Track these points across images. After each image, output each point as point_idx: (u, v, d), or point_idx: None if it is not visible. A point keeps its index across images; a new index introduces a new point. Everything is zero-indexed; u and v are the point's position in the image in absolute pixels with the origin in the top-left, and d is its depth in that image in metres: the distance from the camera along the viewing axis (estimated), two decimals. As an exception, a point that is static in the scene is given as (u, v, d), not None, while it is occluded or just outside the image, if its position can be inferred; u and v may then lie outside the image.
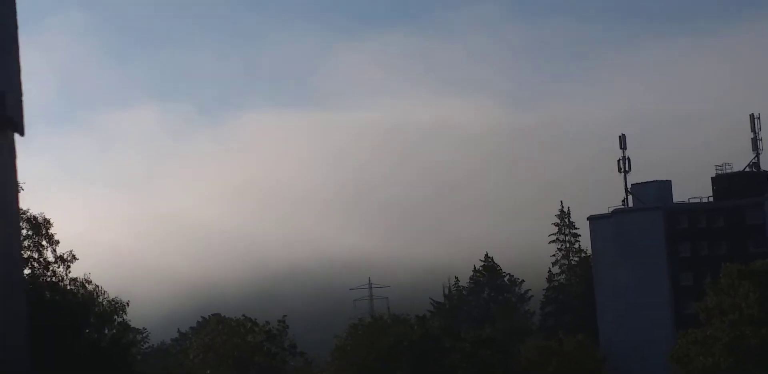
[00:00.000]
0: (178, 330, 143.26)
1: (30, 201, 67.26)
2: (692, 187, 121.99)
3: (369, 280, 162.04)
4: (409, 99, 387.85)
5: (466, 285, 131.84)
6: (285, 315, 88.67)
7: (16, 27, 2.83)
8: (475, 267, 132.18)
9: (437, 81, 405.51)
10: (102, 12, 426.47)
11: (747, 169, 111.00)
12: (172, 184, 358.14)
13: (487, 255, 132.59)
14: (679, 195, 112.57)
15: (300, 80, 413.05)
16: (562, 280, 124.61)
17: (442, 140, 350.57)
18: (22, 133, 2.70)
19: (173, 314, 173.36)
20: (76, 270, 61.14)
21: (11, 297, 2.69)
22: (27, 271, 60.10)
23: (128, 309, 72.86)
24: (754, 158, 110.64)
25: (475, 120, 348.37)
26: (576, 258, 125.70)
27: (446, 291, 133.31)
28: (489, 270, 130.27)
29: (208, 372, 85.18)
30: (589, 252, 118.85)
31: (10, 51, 2.78)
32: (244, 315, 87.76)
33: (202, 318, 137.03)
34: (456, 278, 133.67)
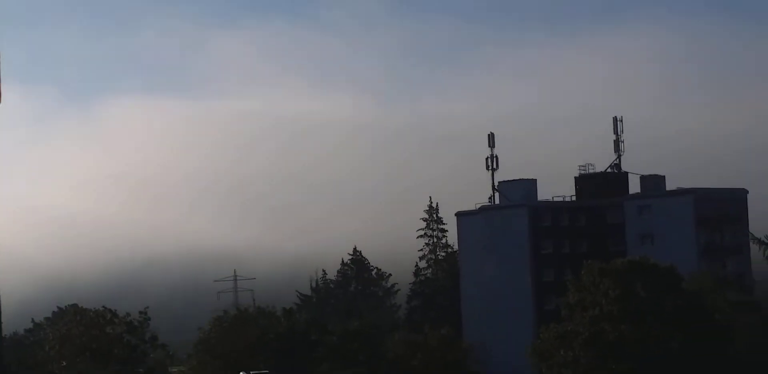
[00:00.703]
0: (33, 321, 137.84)
1: None
2: (557, 186, 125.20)
3: (234, 272, 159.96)
4: (285, 91, 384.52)
5: (333, 278, 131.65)
6: (147, 307, 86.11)
7: None
8: (343, 261, 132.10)
9: (313, 74, 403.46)
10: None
11: (609, 170, 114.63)
12: (32, 170, 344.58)
13: (355, 248, 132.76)
14: (544, 193, 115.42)
15: (174, 67, 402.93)
16: (428, 275, 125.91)
17: (316, 134, 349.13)
18: None
19: (28, 304, 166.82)
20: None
21: None
22: None
23: (-21, 299, 69.21)
24: (616, 159, 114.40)
25: (349, 115, 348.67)
26: (443, 253, 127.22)
27: (313, 285, 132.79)
28: (357, 263, 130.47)
29: (64, 363, 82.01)
30: (456, 247, 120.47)
31: None
32: (103, 306, 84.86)
33: (59, 308, 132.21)
34: (324, 271, 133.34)
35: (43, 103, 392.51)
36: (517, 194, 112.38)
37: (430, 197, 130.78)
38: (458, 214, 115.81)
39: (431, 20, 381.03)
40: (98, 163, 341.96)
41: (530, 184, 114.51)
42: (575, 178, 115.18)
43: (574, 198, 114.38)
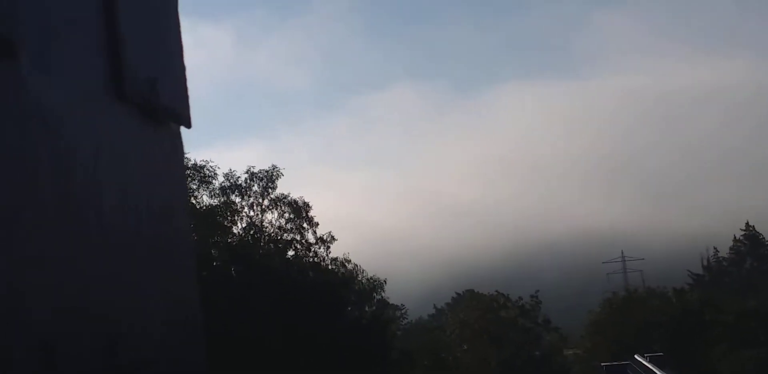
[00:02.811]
0: (434, 306, 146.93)
1: (292, 183, 71.32)
2: None
3: (622, 253, 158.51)
4: (669, 63, 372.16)
5: (726, 255, 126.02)
6: (537, 290, 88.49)
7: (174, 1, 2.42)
8: (735, 237, 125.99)
9: (698, 42, 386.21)
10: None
11: None
12: (428, 161, 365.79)
13: (747, 223, 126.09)
14: None
15: (555, 49, 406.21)
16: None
17: (704, 105, 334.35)
18: (188, 125, 2.39)
19: (431, 290, 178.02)
20: (336, 250, 63.65)
21: (185, 287, 2.42)
22: (291, 253, 63.70)
23: (386, 286, 75.90)
24: None
25: (740, 81, 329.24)
26: None
27: (705, 263, 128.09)
28: (750, 239, 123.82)
29: (465, 347, 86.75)
30: None
31: (168, 30, 2.32)
32: (497, 291, 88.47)
33: (457, 293, 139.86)
34: (715, 249, 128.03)
35: (436, 97, 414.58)
36: None
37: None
38: None
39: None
40: (489, 149, 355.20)
41: None
42: None
43: None
